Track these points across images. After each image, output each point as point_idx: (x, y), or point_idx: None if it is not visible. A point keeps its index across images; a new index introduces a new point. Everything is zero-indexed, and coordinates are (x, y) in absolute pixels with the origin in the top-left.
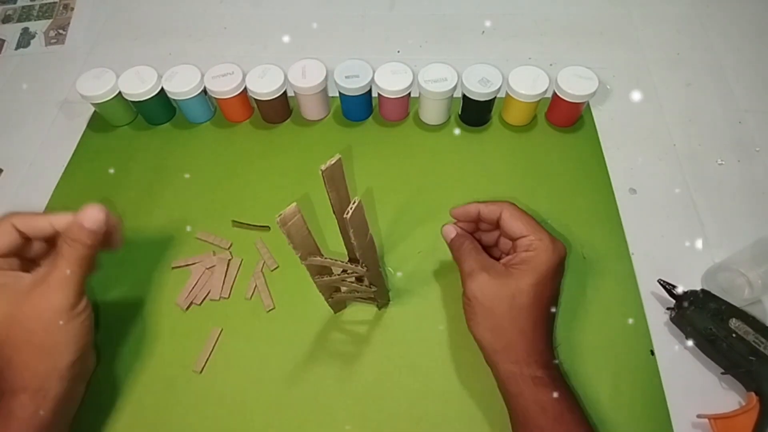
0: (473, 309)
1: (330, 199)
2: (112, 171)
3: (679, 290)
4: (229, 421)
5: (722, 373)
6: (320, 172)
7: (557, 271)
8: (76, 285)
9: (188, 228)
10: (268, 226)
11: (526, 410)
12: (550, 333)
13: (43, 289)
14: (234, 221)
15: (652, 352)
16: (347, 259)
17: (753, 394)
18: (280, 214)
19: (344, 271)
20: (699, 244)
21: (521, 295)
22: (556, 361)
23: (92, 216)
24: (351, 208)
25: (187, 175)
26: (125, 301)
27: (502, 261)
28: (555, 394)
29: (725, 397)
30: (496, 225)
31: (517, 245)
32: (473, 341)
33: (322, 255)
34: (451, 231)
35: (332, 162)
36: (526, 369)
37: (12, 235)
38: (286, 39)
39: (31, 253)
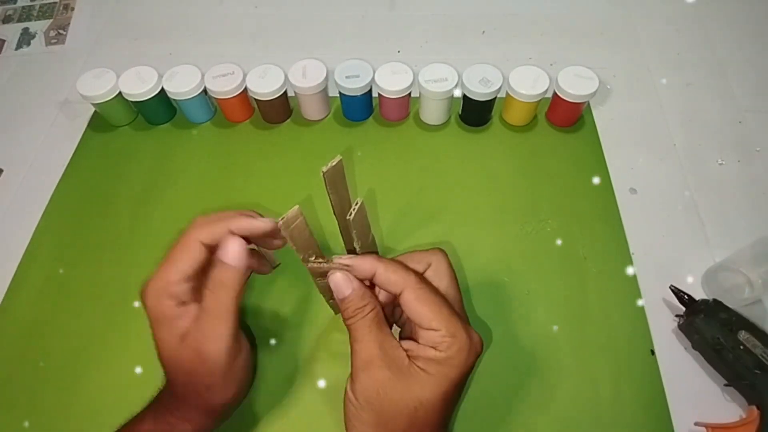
0: (358, 414)
1: (330, 201)
2: (112, 171)
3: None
4: (230, 421)
5: (725, 385)
6: (321, 174)
7: (468, 374)
8: (231, 329)
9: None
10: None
11: None
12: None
13: (200, 332)
14: None
15: (653, 352)
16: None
17: (755, 408)
18: (283, 217)
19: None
20: (699, 243)
21: (427, 408)
22: None
23: (233, 254)
24: (354, 210)
25: (187, 177)
26: (125, 301)
27: (404, 347)
28: None
29: (726, 407)
30: (393, 300)
31: (423, 336)
32: None
33: (324, 257)
34: (347, 284)
35: (333, 163)
36: None
37: (199, 252)
38: (286, 39)
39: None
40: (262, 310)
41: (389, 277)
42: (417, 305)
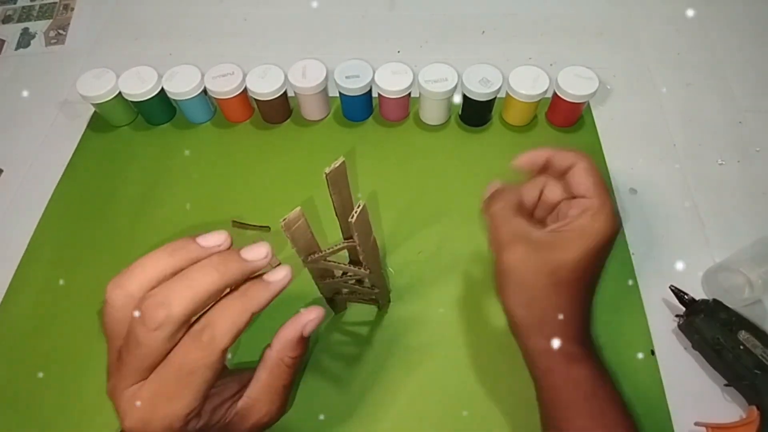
0: (506, 281)
1: (333, 202)
2: (112, 171)
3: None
4: None
5: (725, 385)
6: (324, 175)
7: (607, 248)
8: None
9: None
10: (268, 227)
11: (556, 387)
12: (589, 309)
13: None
14: (234, 221)
15: (653, 352)
16: (348, 261)
17: (755, 408)
18: (285, 218)
19: (345, 273)
20: (699, 243)
21: (564, 270)
22: (592, 336)
23: (315, 322)
24: (356, 212)
25: (187, 177)
26: None
27: (550, 228)
28: (588, 371)
29: (726, 407)
30: (561, 175)
31: (573, 205)
32: (473, 341)
33: (325, 258)
34: (493, 185)
35: (336, 165)
36: (562, 346)
37: (221, 361)
38: (286, 39)
39: None
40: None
41: (564, 153)
42: (585, 175)
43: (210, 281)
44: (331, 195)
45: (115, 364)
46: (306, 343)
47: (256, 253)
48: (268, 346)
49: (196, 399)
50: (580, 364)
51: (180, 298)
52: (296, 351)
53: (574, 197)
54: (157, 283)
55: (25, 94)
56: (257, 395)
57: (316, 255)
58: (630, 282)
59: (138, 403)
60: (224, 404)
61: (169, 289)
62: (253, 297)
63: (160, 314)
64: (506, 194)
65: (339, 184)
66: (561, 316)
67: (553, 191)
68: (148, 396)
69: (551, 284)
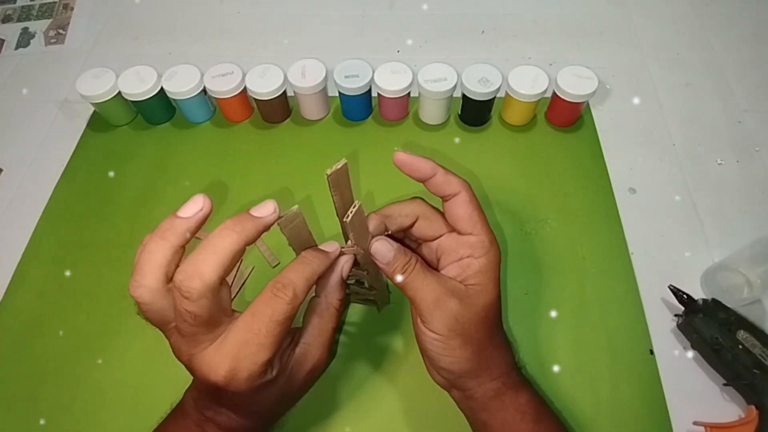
0: (446, 344)
1: (334, 203)
2: (111, 171)
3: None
4: None
5: (724, 384)
6: (326, 176)
7: (500, 268)
8: (271, 346)
9: None
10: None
11: (505, 421)
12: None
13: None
14: None
15: (652, 352)
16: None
17: (753, 407)
18: (281, 216)
19: None
20: (698, 243)
21: (492, 309)
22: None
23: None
24: (351, 212)
25: (187, 183)
26: (125, 301)
27: (455, 276)
28: (529, 394)
29: (725, 407)
30: (437, 194)
31: (462, 244)
32: None
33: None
34: (389, 248)
35: (338, 166)
36: (508, 379)
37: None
38: (285, 39)
39: None
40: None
41: (450, 178)
42: (469, 208)
43: (230, 242)
44: (332, 196)
45: (181, 339)
46: (345, 285)
47: (265, 209)
48: (315, 295)
49: (276, 347)
50: (523, 389)
51: (209, 265)
52: (340, 293)
53: (454, 230)
54: (168, 267)
55: (24, 93)
56: (311, 340)
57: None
58: (629, 281)
59: (225, 355)
60: (284, 354)
61: (196, 260)
62: (313, 260)
63: (196, 284)
64: (407, 255)
65: (341, 185)
66: (504, 353)
67: (432, 227)
68: (234, 348)
69: (487, 331)
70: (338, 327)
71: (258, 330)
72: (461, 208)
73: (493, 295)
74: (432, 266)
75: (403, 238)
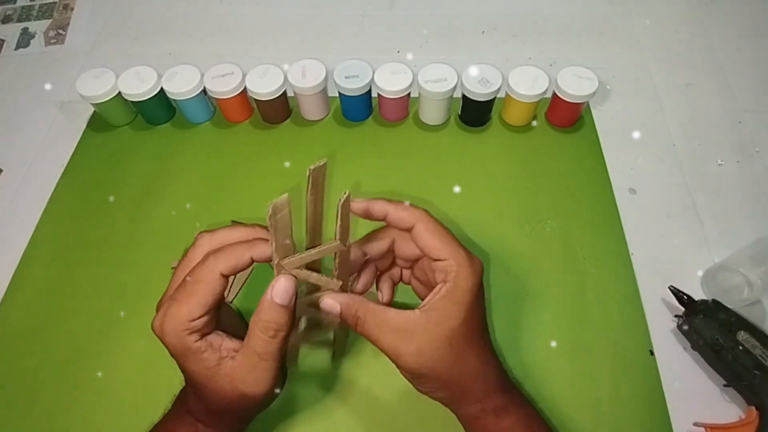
0: (417, 380)
1: (306, 202)
2: (111, 171)
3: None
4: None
5: (724, 386)
6: (308, 171)
7: (480, 293)
8: (273, 376)
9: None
10: (266, 228)
11: None
12: (495, 353)
13: (244, 386)
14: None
15: (652, 352)
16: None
17: (753, 408)
18: (273, 202)
19: (314, 285)
20: (699, 243)
21: (457, 338)
22: (508, 375)
23: (285, 295)
24: (342, 197)
25: (187, 183)
26: (125, 301)
27: (423, 306)
28: (515, 416)
29: (726, 408)
30: (405, 231)
31: (436, 268)
32: None
33: (302, 264)
34: (334, 302)
35: (319, 164)
36: (487, 404)
37: (220, 285)
38: (285, 39)
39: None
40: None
41: (400, 214)
42: (427, 236)
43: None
44: (307, 193)
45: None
46: (284, 313)
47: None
48: None
49: (198, 309)
50: (508, 413)
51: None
52: (268, 315)
53: (430, 259)
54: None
55: (24, 93)
56: (241, 358)
57: (293, 257)
58: (629, 282)
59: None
60: (226, 352)
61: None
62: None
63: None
64: (356, 303)
65: (318, 184)
66: (483, 377)
67: (409, 247)
68: (167, 306)
69: (454, 357)
70: (277, 359)
71: (184, 290)
72: (421, 239)
73: (458, 320)
74: (430, 286)
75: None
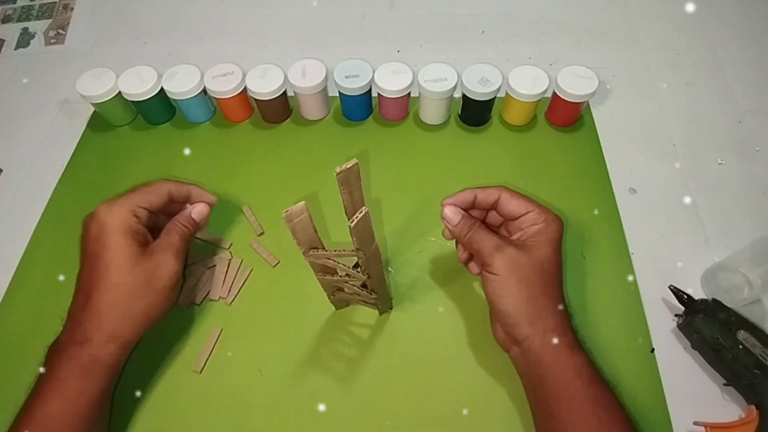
0: (504, 284)
1: (343, 202)
2: (111, 171)
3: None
4: (229, 421)
5: (724, 384)
6: (335, 174)
7: (560, 243)
8: (184, 256)
9: None
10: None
11: (561, 377)
12: (565, 303)
13: (162, 256)
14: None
15: (653, 351)
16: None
17: (753, 407)
18: (287, 210)
19: (347, 274)
20: (699, 243)
21: (548, 263)
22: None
23: (201, 211)
24: (356, 218)
25: (186, 176)
26: None
27: (516, 236)
28: (585, 357)
29: (726, 407)
30: (490, 209)
31: (522, 222)
32: (473, 340)
33: (328, 257)
34: (456, 213)
35: (348, 166)
36: (562, 336)
37: (165, 198)
38: (286, 39)
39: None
40: (264, 306)
41: (486, 191)
42: (513, 200)
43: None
44: (341, 195)
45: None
46: (195, 223)
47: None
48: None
49: (144, 202)
50: (580, 351)
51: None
52: (187, 221)
53: (517, 218)
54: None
55: (24, 93)
56: (163, 236)
57: (318, 251)
58: (629, 281)
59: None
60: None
61: None
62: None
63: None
64: (471, 219)
65: (350, 185)
66: (560, 306)
67: (512, 204)
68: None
69: (543, 277)
70: (183, 250)
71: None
72: (509, 204)
73: (549, 252)
74: None
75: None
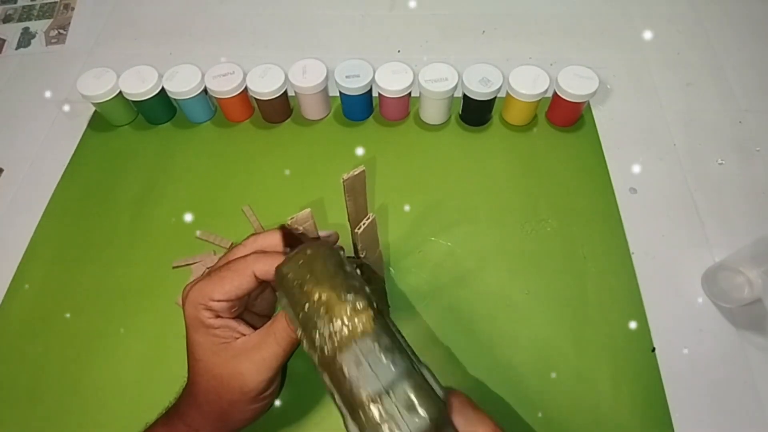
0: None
1: (347, 208)
2: (112, 171)
3: None
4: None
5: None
6: (341, 181)
7: None
8: (277, 369)
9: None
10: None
11: None
12: None
13: (244, 364)
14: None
15: (653, 350)
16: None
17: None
18: (292, 218)
19: None
20: (699, 243)
21: None
22: None
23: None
24: (364, 224)
25: (187, 182)
26: (126, 301)
27: None
28: None
29: (727, 404)
30: None
31: None
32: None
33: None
34: None
35: (355, 173)
36: None
37: (250, 283)
38: (286, 39)
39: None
40: None
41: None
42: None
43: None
44: (345, 201)
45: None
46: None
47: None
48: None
49: (221, 293)
50: None
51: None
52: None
53: None
54: None
55: (25, 93)
56: (256, 335)
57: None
58: (630, 281)
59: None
60: (239, 335)
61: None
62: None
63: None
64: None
65: (355, 192)
66: None
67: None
68: (200, 279)
69: None
70: (283, 365)
71: (221, 271)
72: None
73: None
74: None
75: None
